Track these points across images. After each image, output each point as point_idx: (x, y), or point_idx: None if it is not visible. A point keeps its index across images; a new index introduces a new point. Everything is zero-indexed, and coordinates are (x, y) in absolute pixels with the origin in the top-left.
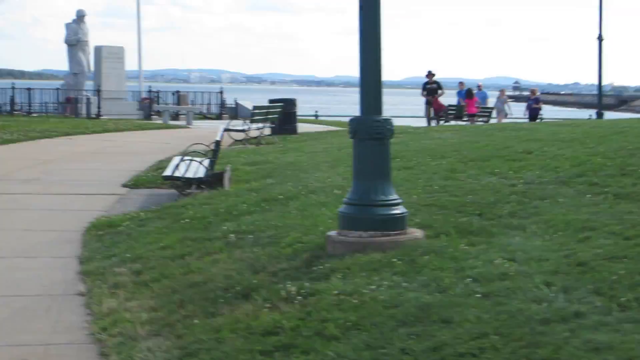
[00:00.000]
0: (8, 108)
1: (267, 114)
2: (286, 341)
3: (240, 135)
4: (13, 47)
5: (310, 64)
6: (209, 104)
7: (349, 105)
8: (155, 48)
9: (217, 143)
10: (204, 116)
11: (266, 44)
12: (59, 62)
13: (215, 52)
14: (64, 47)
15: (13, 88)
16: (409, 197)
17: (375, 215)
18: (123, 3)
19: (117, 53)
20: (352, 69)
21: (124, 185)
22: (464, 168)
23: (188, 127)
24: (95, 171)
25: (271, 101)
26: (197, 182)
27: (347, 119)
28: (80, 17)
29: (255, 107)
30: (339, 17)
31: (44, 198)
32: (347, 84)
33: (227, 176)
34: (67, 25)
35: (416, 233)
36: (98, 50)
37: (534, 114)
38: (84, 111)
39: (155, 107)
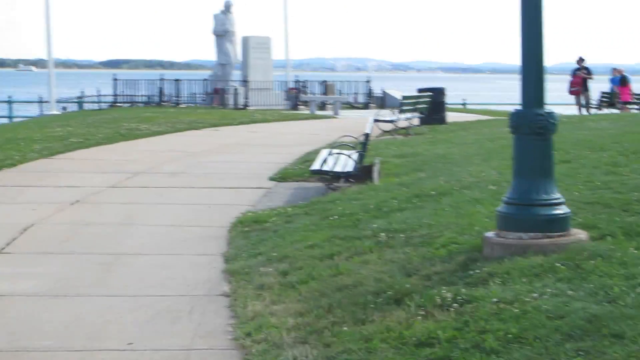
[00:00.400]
0: (157, 99)
1: (416, 103)
2: (441, 354)
3: (389, 126)
4: (160, 39)
5: (457, 51)
6: (356, 93)
7: (498, 92)
8: (300, 37)
9: (367, 136)
10: (351, 106)
11: (412, 30)
12: (207, 52)
13: (361, 41)
14: (212, 38)
15: (162, 79)
16: (570, 194)
17: (536, 215)
18: None
19: (264, 43)
20: (499, 55)
21: (271, 179)
22: (627, 162)
23: (335, 118)
24: (242, 164)
25: (420, 90)
26: (346, 176)
27: (496, 107)
28: (227, 7)
29: (404, 97)
30: (486, 2)
31: (189, 192)
32: (494, 70)
33: (376, 169)
34: (215, 16)
35: (580, 234)
36: (245, 40)
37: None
38: (231, 102)
39: (302, 97)
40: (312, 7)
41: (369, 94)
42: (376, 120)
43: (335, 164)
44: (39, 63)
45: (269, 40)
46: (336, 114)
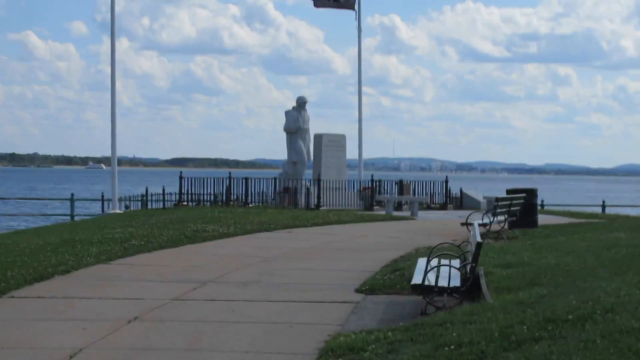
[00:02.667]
0: (224, 198)
1: (510, 205)
2: None
3: (481, 230)
4: (228, 138)
5: (520, 152)
6: (432, 193)
7: (564, 192)
8: (365, 137)
9: (479, 246)
10: (427, 206)
11: (475, 132)
12: (272, 151)
13: (425, 141)
14: (278, 135)
15: (230, 177)
16: None
17: None
18: (336, 93)
19: (339, 141)
20: (563, 156)
21: (358, 290)
22: None
23: (413, 219)
24: (322, 272)
25: (509, 191)
26: (453, 291)
27: (575, 209)
28: (301, 104)
29: (498, 199)
30: (549, 105)
31: (265, 307)
32: (558, 171)
33: (483, 283)
34: (287, 113)
35: None
36: (318, 138)
37: None
38: (302, 201)
39: (377, 197)
40: (377, 109)
41: (447, 193)
42: (466, 224)
43: (437, 276)
44: (107, 161)
45: (344, 138)
46: (414, 214)
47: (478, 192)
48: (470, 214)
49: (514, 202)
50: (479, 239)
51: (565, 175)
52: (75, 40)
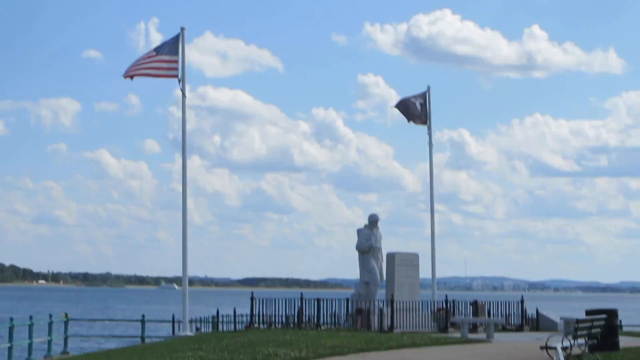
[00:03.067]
0: (296, 320)
1: (592, 327)
2: None
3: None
4: (299, 257)
5: (594, 269)
6: (507, 314)
7: None
8: (436, 255)
9: None
10: (502, 327)
11: (548, 249)
12: (343, 270)
13: (497, 258)
14: (349, 255)
15: (302, 298)
16: None
17: None
18: (406, 210)
19: (412, 260)
20: (638, 274)
21: None
22: None
23: (489, 342)
24: None
25: (588, 312)
26: None
27: None
28: (373, 222)
29: (579, 321)
30: (621, 220)
31: None
32: (633, 289)
33: None
34: (359, 232)
35: None
36: (391, 257)
37: None
38: (375, 323)
39: (452, 318)
40: (448, 226)
41: (523, 314)
42: (546, 347)
43: None
44: (179, 281)
45: (417, 257)
46: (490, 337)
47: (553, 312)
48: (549, 337)
49: (594, 323)
50: None
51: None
52: (148, 157)
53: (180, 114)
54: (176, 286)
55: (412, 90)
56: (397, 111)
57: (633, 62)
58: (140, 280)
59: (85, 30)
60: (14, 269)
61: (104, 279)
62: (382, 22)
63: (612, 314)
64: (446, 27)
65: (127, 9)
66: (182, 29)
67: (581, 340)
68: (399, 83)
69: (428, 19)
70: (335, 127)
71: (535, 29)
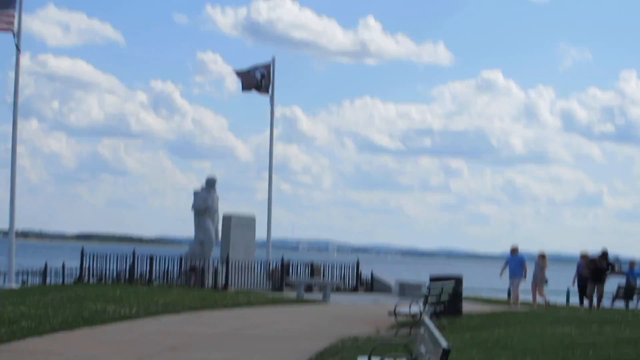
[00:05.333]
0: (127, 276)
1: (441, 294)
2: None
3: (406, 319)
4: (131, 215)
5: (413, 236)
6: (343, 276)
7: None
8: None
9: (445, 354)
10: (337, 289)
11: (371, 217)
12: (176, 229)
13: (322, 224)
14: (182, 215)
15: (134, 254)
16: None
17: None
18: (239, 177)
19: (248, 222)
20: (453, 241)
21: None
22: None
23: (326, 303)
24: None
25: (434, 278)
26: None
27: (484, 293)
28: (210, 184)
29: (431, 285)
30: (441, 194)
31: None
32: (449, 254)
33: None
34: (196, 193)
35: None
36: (227, 218)
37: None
38: (210, 281)
39: (289, 279)
40: (278, 194)
41: (358, 277)
42: (395, 313)
43: None
44: (22, 234)
45: (253, 220)
46: (326, 298)
47: (386, 275)
48: (399, 303)
49: (444, 289)
50: (444, 345)
51: (456, 259)
52: None
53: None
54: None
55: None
56: (234, 86)
57: (460, 55)
58: None
59: None
60: None
61: None
62: (222, 4)
63: (458, 280)
64: (285, 13)
65: None
66: None
67: (431, 307)
68: (237, 62)
69: (268, 5)
70: (172, 98)
71: (370, 19)
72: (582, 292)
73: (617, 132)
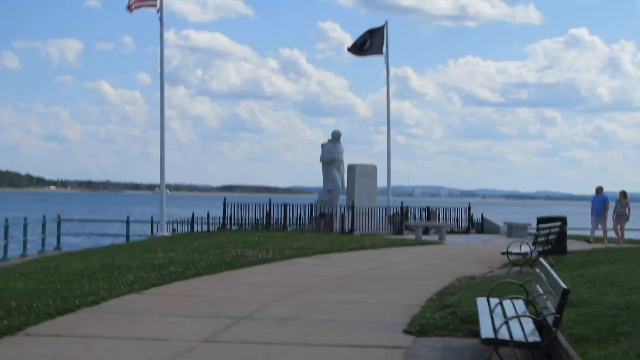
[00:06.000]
0: (265, 223)
1: (549, 234)
2: None
3: (518, 258)
4: (267, 169)
5: (515, 181)
6: (456, 218)
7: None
8: (384, 168)
9: (565, 294)
10: (451, 231)
11: (477, 164)
12: (307, 180)
13: (434, 172)
14: (311, 167)
15: (270, 203)
16: None
17: None
18: (359, 132)
19: (370, 171)
20: (552, 184)
21: (407, 331)
22: None
23: (442, 243)
24: (363, 305)
25: (541, 219)
26: (531, 347)
27: (585, 231)
28: (335, 137)
29: (540, 227)
30: (538, 142)
31: (304, 353)
32: (547, 197)
33: (562, 336)
34: (323, 145)
35: None
36: (352, 168)
37: None
38: (337, 226)
39: (408, 223)
40: (394, 145)
41: (470, 219)
42: (507, 253)
43: (504, 322)
44: (169, 187)
45: (375, 169)
46: (442, 239)
47: (495, 217)
48: (511, 243)
49: (552, 230)
50: (563, 285)
51: (553, 201)
52: (141, 88)
53: (165, 49)
54: (168, 191)
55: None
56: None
57: (549, 15)
58: (135, 187)
59: None
60: (28, 177)
61: (105, 186)
62: None
63: (563, 221)
64: None
65: None
66: None
67: (540, 247)
68: (353, 29)
69: None
70: (299, 63)
71: None
72: None
73: None
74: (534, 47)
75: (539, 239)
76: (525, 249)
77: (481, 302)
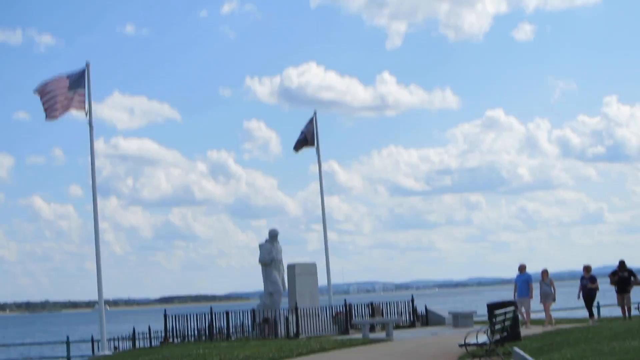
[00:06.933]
0: (208, 333)
1: (504, 320)
2: None
3: (476, 350)
4: (203, 276)
5: (446, 269)
6: (399, 312)
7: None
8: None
9: None
10: (397, 326)
11: (408, 255)
12: (243, 284)
13: (367, 266)
14: (246, 272)
15: (211, 312)
16: None
17: None
18: (290, 231)
19: (310, 269)
20: (482, 270)
21: None
22: None
23: (391, 340)
24: None
25: (492, 306)
26: None
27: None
28: (273, 236)
29: (496, 313)
30: (465, 228)
31: None
32: (479, 283)
33: None
34: (261, 246)
35: None
36: (291, 267)
37: (589, 295)
38: (282, 331)
39: (354, 321)
40: (325, 244)
41: (414, 312)
42: (465, 345)
43: None
44: (109, 303)
45: (315, 267)
46: (389, 335)
47: (439, 308)
48: (468, 333)
49: (507, 316)
50: None
51: (485, 287)
52: (74, 201)
53: (95, 159)
54: (108, 307)
55: (288, 131)
56: (278, 148)
57: (465, 98)
58: (74, 305)
59: (14, 94)
60: None
61: (44, 306)
62: (260, 75)
63: (515, 305)
64: (312, 77)
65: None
66: (87, 64)
67: (498, 336)
68: (278, 126)
69: (297, 71)
70: (227, 165)
71: (386, 74)
72: (588, 305)
73: (608, 152)
74: (454, 131)
75: (496, 327)
76: (483, 338)
77: None
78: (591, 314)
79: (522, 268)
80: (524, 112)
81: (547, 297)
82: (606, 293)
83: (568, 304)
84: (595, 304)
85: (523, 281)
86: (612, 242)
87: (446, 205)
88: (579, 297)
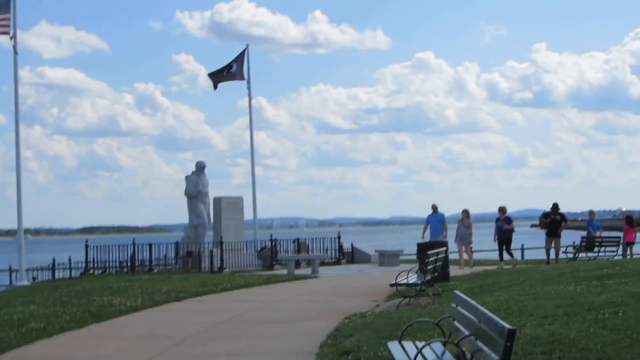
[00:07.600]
0: (129, 265)
1: (436, 261)
2: None
3: (405, 290)
4: (127, 207)
5: (370, 207)
6: (325, 249)
7: (410, 240)
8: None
9: (511, 335)
10: (323, 262)
11: (333, 192)
12: (167, 216)
13: (292, 202)
14: (170, 203)
15: (134, 244)
16: None
17: None
18: (216, 165)
19: (237, 203)
20: (405, 209)
21: None
22: None
23: (316, 277)
24: (251, 357)
25: (421, 246)
26: None
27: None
28: (200, 168)
29: (428, 255)
30: (390, 167)
31: None
32: (402, 222)
33: None
34: (187, 178)
35: None
36: (217, 201)
37: (504, 237)
38: (206, 264)
39: (280, 256)
40: (250, 176)
41: (340, 249)
42: (396, 284)
43: None
44: (31, 231)
45: (241, 201)
46: (315, 272)
47: (365, 245)
48: (400, 273)
49: (439, 256)
50: (507, 325)
51: (408, 225)
52: None
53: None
54: (29, 236)
55: (218, 66)
56: (206, 82)
57: (396, 39)
58: None
59: None
60: None
61: None
62: (190, 9)
63: (445, 246)
64: (243, 12)
65: None
66: None
67: (429, 276)
68: (207, 60)
69: (228, 6)
70: (154, 97)
71: (317, 13)
72: (501, 248)
73: (534, 98)
74: (383, 72)
75: (428, 267)
76: (413, 278)
77: (395, 349)
78: (501, 258)
79: (435, 208)
80: (453, 55)
81: (463, 239)
82: (524, 236)
83: (482, 247)
84: (519, 246)
85: (438, 221)
86: (535, 186)
87: (372, 144)
88: (495, 239)
